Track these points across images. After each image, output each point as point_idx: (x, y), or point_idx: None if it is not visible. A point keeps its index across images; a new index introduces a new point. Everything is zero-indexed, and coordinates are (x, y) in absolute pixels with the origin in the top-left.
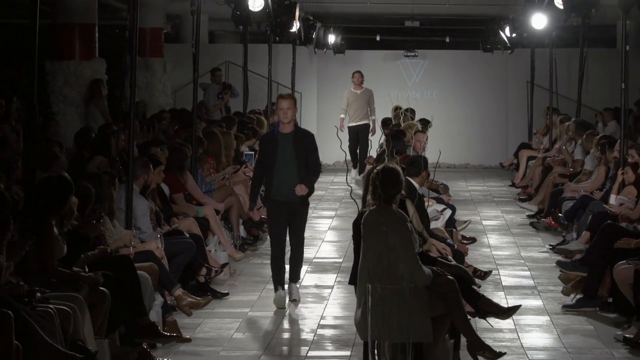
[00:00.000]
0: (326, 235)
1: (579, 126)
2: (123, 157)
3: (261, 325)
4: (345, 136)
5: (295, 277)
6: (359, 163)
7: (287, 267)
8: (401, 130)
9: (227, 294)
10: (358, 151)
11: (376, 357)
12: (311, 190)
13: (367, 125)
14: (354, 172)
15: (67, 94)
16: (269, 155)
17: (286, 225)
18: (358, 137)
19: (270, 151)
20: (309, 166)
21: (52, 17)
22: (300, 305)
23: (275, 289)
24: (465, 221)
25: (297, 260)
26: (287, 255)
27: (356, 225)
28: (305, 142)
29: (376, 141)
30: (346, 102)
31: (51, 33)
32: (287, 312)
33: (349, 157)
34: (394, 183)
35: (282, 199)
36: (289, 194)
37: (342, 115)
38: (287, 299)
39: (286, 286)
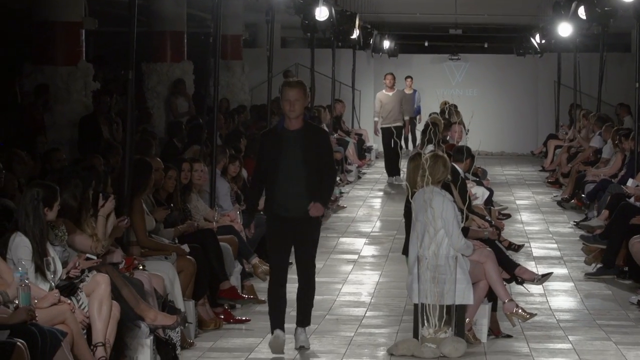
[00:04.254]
0: (381, 212)
1: (598, 119)
2: (207, 145)
3: (324, 290)
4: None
5: (304, 319)
6: (393, 165)
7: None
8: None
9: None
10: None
11: (425, 317)
12: (326, 208)
13: (401, 127)
14: (393, 179)
15: (160, 91)
16: (271, 158)
17: (290, 248)
18: (391, 138)
19: (272, 153)
20: (322, 173)
21: (148, 25)
22: (359, 272)
23: (272, 329)
24: (504, 208)
25: (307, 297)
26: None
27: (407, 204)
28: (317, 142)
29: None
30: (379, 104)
31: (147, 39)
32: (348, 277)
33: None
34: (441, 168)
35: (286, 214)
36: (295, 208)
37: (376, 119)
38: (295, 344)
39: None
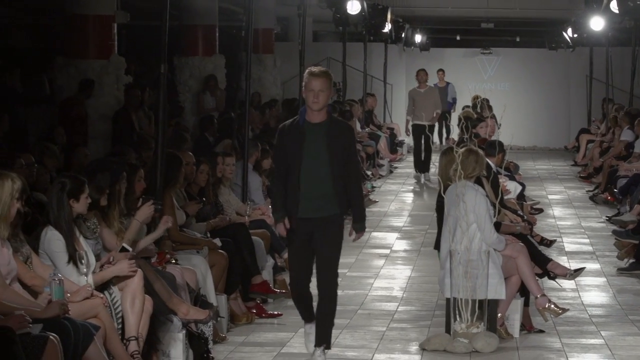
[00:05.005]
0: (412, 206)
1: (626, 114)
2: (239, 138)
3: (356, 285)
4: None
5: (323, 338)
6: (423, 162)
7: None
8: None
9: None
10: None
11: (457, 312)
12: (363, 221)
13: (432, 126)
14: (420, 176)
15: (191, 85)
16: (291, 155)
17: (313, 254)
18: (422, 137)
19: (293, 148)
20: (347, 176)
21: (179, 19)
22: (391, 267)
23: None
24: (535, 203)
25: (328, 312)
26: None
27: (439, 198)
28: (342, 138)
29: (455, 127)
30: (411, 102)
31: (178, 33)
32: (380, 272)
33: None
34: (473, 163)
35: (309, 216)
36: (317, 210)
37: (409, 117)
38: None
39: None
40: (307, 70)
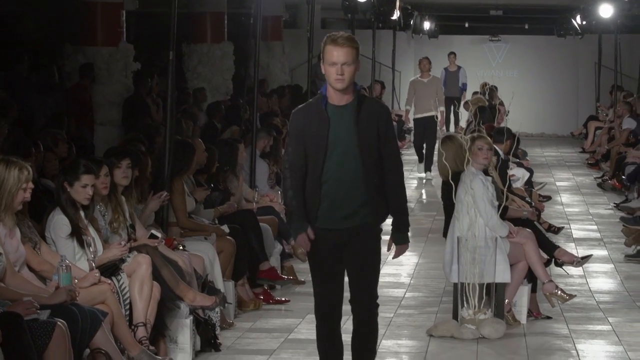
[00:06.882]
0: (420, 193)
1: (625, 104)
2: (247, 125)
3: None
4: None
5: None
6: (425, 159)
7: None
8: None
9: None
10: (424, 147)
11: (464, 298)
12: (406, 231)
13: (434, 118)
14: (420, 169)
15: (200, 72)
16: (311, 147)
17: (343, 272)
18: (424, 130)
19: (313, 139)
20: (387, 171)
21: (188, 6)
22: None
23: None
24: (541, 183)
25: (366, 343)
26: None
27: (443, 186)
28: (377, 123)
29: (465, 114)
30: (412, 92)
31: (187, 20)
32: (387, 258)
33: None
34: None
35: (335, 227)
36: (346, 218)
37: (408, 107)
38: None
39: None
40: (326, 37)
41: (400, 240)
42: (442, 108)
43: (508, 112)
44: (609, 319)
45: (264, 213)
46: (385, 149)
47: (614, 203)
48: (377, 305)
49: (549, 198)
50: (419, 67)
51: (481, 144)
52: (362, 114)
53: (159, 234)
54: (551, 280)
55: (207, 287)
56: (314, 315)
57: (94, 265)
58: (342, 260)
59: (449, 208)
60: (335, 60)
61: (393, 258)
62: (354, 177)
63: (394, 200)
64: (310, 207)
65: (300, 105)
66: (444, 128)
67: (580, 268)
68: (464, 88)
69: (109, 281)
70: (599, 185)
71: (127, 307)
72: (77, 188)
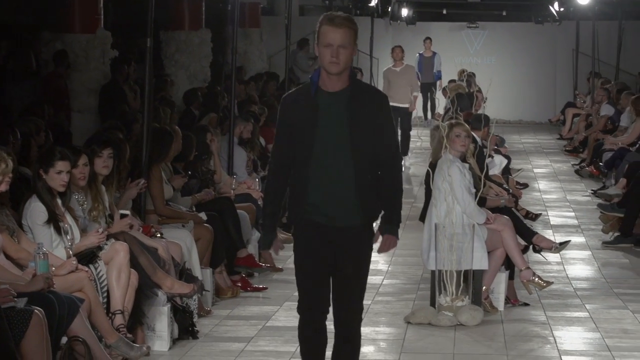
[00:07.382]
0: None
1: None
2: (225, 112)
3: None
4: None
5: None
6: (400, 146)
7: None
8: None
9: None
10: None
11: (442, 285)
12: (396, 225)
13: (406, 108)
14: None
15: (177, 59)
16: (299, 137)
17: (330, 270)
18: (400, 120)
19: (301, 128)
20: (384, 161)
21: None
22: None
23: None
24: (519, 169)
25: (346, 355)
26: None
27: (428, 171)
28: (373, 111)
29: (443, 100)
30: (386, 82)
31: (164, 7)
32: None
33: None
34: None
35: (324, 221)
36: (336, 214)
37: None
38: None
39: None
40: (322, 16)
41: (388, 231)
42: (416, 93)
43: (486, 99)
44: (586, 305)
45: (241, 200)
46: (382, 142)
47: (592, 190)
48: (361, 319)
49: (526, 185)
50: (392, 56)
51: (459, 131)
52: (356, 102)
53: (127, 212)
54: (529, 267)
55: (184, 274)
56: (291, 303)
57: (71, 252)
58: (329, 261)
59: (429, 193)
60: (331, 42)
61: (379, 252)
62: (345, 173)
63: (387, 193)
64: (299, 200)
65: (291, 91)
66: (419, 113)
67: (558, 255)
68: (438, 76)
69: (87, 269)
70: (577, 172)
71: (105, 294)
72: (52, 175)
